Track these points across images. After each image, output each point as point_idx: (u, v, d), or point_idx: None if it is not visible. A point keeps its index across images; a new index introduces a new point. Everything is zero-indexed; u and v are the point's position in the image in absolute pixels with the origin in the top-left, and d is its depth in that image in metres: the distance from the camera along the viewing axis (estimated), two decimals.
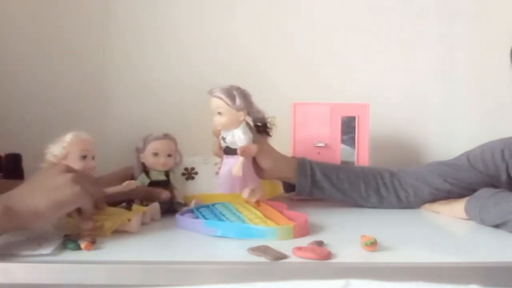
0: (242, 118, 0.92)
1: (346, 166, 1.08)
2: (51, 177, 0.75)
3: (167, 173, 0.99)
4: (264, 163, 0.96)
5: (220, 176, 0.95)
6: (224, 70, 1.29)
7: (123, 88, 1.31)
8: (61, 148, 0.82)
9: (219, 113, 0.92)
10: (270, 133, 0.98)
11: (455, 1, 1.32)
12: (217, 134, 0.96)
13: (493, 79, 1.33)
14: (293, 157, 1.04)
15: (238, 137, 0.93)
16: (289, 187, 1.04)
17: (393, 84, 1.33)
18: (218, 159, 0.99)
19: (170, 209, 0.96)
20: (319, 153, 1.13)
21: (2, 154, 1.10)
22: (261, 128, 0.97)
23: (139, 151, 0.99)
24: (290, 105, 1.15)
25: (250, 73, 1.30)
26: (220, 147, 0.96)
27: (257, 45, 1.32)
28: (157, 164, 0.98)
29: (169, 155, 0.99)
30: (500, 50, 1.32)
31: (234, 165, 0.92)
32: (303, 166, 1.00)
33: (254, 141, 0.94)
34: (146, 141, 0.98)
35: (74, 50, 1.30)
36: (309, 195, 1.01)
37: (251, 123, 0.96)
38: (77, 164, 0.82)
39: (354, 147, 1.14)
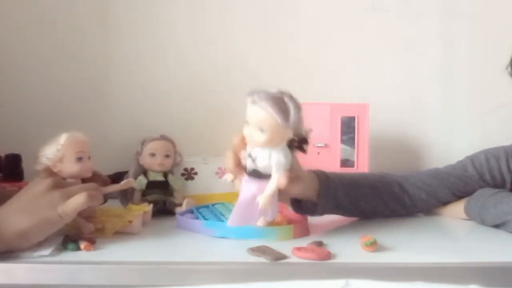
0: (288, 137, 0.73)
1: (361, 178, 0.95)
2: (39, 195, 0.72)
3: (165, 175, 0.99)
4: (294, 190, 0.80)
5: (239, 204, 0.76)
6: (222, 71, 1.30)
7: (123, 89, 1.31)
8: (55, 150, 0.81)
9: (261, 129, 0.72)
10: (306, 151, 0.76)
11: (455, 1, 1.32)
12: (238, 148, 0.77)
13: (493, 80, 1.32)
14: (314, 173, 0.87)
15: (277, 161, 0.73)
16: (301, 205, 0.89)
17: (392, 84, 1.33)
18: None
19: (164, 209, 0.96)
20: (319, 153, 1.13)
21: (2, 154, 1.10)
22: (295, 143, 0.75)
23: (138, 154, 1.00)
24: None
25: (249, 73, 1.30)
26: (239, 165, 0.77)
27: (256, 46, 1.31)
28: (154, 164, 0.98)
29: (167, 156, 0.99)
30: (500, 50, 1.32)
31: (259, 194, 0.73)
32: (326, 186, 0.87)
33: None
34: (143, 143, 1.00)
35: (73, 51, 1.30)
36: (325, 214, 0.91)
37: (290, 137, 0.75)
38: (73, 167, 0.81)
39: (354, 147, 1.14)
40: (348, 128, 1.14)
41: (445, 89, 1.34)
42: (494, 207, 0.88)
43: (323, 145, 1.14)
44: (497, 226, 0.86)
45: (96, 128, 1.23)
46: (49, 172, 0.82)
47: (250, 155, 0.75)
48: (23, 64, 1.30)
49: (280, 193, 0.77)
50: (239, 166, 0.77)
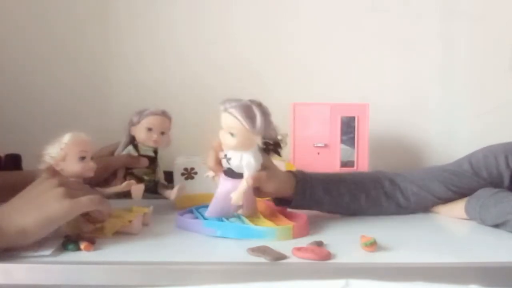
0: (257, 142, 0.81)
1: (346, 176, 0.99)
2: (41, 193, 0.73)
3: (155, 150, 0.98)
4: (268, 188, 0.87)
5: (216, 198, 0.85)
6: (222, 71, 1.30)
7: (123, 88, 1.31)
8: (58, 149, 0.81)
9: (231, 134, 0.80)
10: (280, 153, 0.85)
11: (455, 1, 1.32)
12: (217, 149, 0.85)
13: (493, 79, 1.33)
14: (292, 173, 0.94)
15: (248, 162, 0.81)
16: (281, 201, 0.94)
17: (392, 84, 1.33)
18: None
19: (154, 190, 0.96)
20: (318, 153, 1.14)
21: (2, 154, 1.10)
22: (270, 147, 0.84)
23: (132, 124, 0.96)
24: (289, 106, 1.15)
25: (249, 73, 1.31)
26: (219, 163, 0.85)
27: (256, 46, 1.32)
28: (149, 140, 0.96)
29: (162, 133, 0.97)
30: (500, 50, 1.32)
31: (233, 191, 0.81)
32: (302, 185, 0.92)
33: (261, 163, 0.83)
34: (142, 114, 0.96)
35: (73, 50, 1.31)
36: (306, 209, 0.94)
37: (260, 142, 0.83)
38: (75, 166, 0.81)
39: (354, 147, 1.14)
40: (348, 128, 1.14)
41: (445, 89, 1.34)
42: (494, 206, 0.87)
43: (323, 145, 1.14)
44: (497, 225, 0.86)
45: (96, 128, 1.22)
46: (51, 171, 0.82)
47: (225, 156, 0.83)
48: (23, 64, 1.31)
49: (256, 191, 0.85)
50: (219, 165, 0.85)
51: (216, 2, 1.32)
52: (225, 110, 0.80)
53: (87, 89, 1.31)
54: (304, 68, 1.32)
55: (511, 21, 1.31)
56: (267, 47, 1.32)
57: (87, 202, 0.75)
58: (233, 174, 0.83)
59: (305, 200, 0.93)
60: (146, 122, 0.95)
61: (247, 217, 0.85)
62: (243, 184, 0.81)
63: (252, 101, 0.80)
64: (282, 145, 0.84)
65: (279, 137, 0.84)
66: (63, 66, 1.31)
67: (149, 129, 0.95)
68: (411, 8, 1.32)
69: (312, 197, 0.93)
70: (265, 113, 0.80)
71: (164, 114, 0.97)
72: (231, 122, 0.79)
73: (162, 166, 1.01)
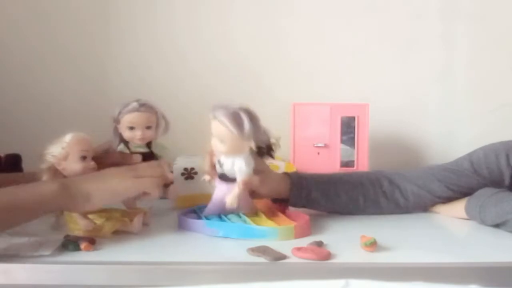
0: (247, 147, 0.82)
1: (343, 176, 0.99)
2: (110, 172, 0.81)
3: (148, 144, 0.93)
4: (263, 191, 0.89)
5: (212, 201, 0.86)
6: (223, 71, 1.30)
7: (123, 88, 1.31)
8: (60, 149, 0.82)
9: (221, 141, 0.81)
10: (273, 156, 0.88)
11: (455, 1, 1.32)
12: (212, 154, 0.86)
13: (493, 79, 1.33)
14: (287, 174, 0.95)
15: (239, 167, 0.82)
16: (279, 200, 0.96)
17: (393, 84, 1.33)
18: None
19: None
20: (318, 153, 1.14)
21: (2, 154, 1.10)
22: (263, 150, 0.86)
23: (115, 121, 0.91)
24: (289, 106, 1.15)
25: (249, 73, 1.31)
26: (214, 167, 0.86)
27: (256, 46, 1.32)
28: (134, 138, 0.91)
29: (148, 128, 0.91)
30: (500, 50, 1.32)
31: (228, 194, 0.83)
32: (298, 185, 0.94)
33: (254, 167, 0.84)
34: (120, 112, 0.90)
35: (73, 51, 1.31)
36: (305, 208, 0.95)
37: (254, 147, 0.83)
38: (77, 165, 0.82)
39: (354, 147, 1.14)
40: (348, 128, 1.14)
41: (445, 89, 1.34)
42: (494, 206, 0.87)
43: (323, 145, 1.14)
44: (497, 225, 0.86)
45: (96, 128, 1.23)
46: (53, 170, 0.82)
47: (219, 161, 0.85)
48: (23, 64, 1.31)
49: (252, 193, 0.88)
50: (214, 169, 0.87)
51: (216, 2, 1.32)
52: (214, 118, 0.81)
53: (87, 89, 1.31)
54: (304, 68, 1.32)
55: (511, 20, 1.31)
56: (266, 47, 1.32)
57: (146, 184, 0.82)
58: (227, 178, 0.84)
59: (301, 201, 0.94)
60: (125, 121, 0.90)
61: (247, 215, 0.86)
62: (236, 189, 0.83)
63: (240, 108, 0.80)
64: (274, 148, 0.87)
65: (272, 140, 0.87)
66: (63, 66, 1.31)
67: (131, 128, 0.90)
68: (411, 8, 1.32)
69: (308, 198, 0.94)
70: (253, 119, 0.80)
71: (143, 107, 0.90)
72: (220, 129, 0.80)
73: (165, 156, 0.97)
